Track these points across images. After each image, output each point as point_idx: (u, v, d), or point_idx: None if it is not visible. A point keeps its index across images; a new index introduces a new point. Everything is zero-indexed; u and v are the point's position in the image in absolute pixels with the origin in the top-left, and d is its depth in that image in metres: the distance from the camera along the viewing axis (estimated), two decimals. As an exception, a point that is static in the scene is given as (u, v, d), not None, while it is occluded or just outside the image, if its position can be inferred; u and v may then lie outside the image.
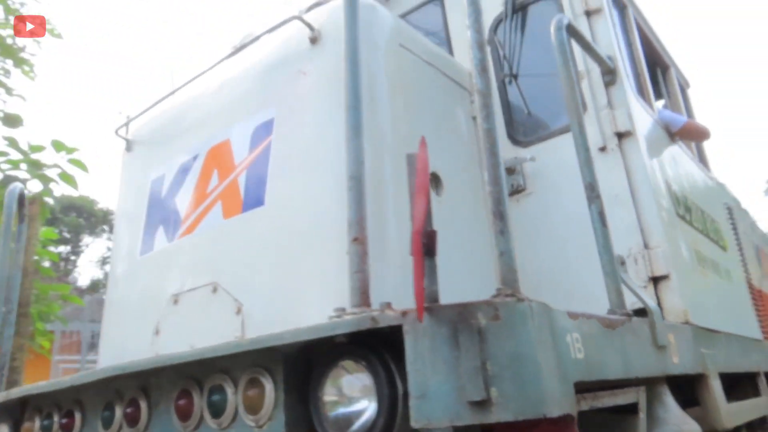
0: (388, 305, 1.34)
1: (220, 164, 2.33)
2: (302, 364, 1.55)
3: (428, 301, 1.29)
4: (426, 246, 1.30)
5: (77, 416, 2.13)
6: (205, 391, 1.70)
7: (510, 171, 2.59)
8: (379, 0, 3.35)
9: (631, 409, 1.75)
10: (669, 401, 1.93)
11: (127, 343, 2.46)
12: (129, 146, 2.88)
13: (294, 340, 1.39)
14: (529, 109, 2.64)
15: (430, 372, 1.22)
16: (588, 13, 2.58)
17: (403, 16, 3.23)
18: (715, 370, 2.23)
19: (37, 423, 2.31)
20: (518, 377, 1.19)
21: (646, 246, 2.23)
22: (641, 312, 1.90)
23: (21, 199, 2.50)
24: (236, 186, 2.23)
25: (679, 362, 1.97)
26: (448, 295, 1.41)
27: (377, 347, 1.37)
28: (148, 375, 1.88)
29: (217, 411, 1.65)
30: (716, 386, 2.19)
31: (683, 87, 3.80)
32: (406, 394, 1.32)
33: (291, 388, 1.52)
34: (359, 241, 1.43)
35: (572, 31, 2.10)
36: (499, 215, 1.38)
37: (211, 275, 2.20)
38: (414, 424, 1.23)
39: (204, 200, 2.33)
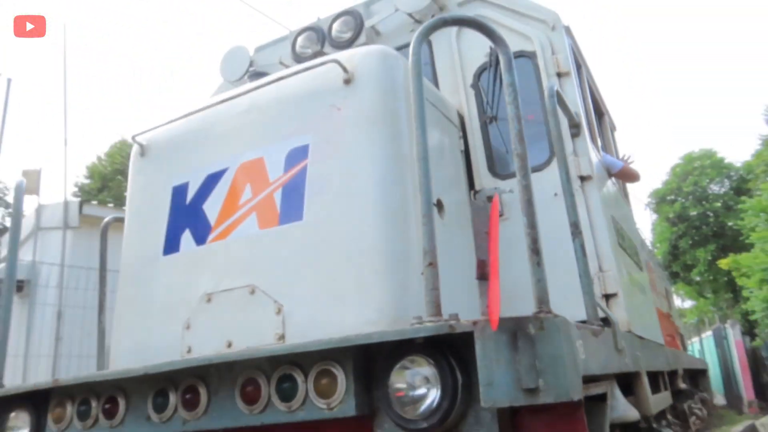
0: (457, 316, 1.77)
1: (254, 179, 2.65)
2: (365, 359, 1.96)
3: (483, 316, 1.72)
4: (486, 273, 1.73)
5: (121, 402, 2.36)
6: (273, 379, 2.03)
7: (490, 199, 3.06)
8: (373, 32, 3.75)
9: (599, 398, 2.29)
10: (618, 392, 2.50)
11: (151, 336, 2.72)
12: (143, 152, 3.10)
13: (381, 339, 1.78)
14: (507, 148, 3.15)
15: (495, 367, 1.67)
16: (559, 75, 3.18)
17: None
18: (645, 368, 2.87)
19: (69, 409, 2.50)
20: (556, 372, 1.66)
21: (600, 269, 2.82)
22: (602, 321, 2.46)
23: None
24: (272, 200, 2.57)
25: (627, 362, 2.56)
26: (448, 301, 1.87)
27: (441, 348, 1.80)
28: (207, 366, 2.17)
29: (286, 396, 2.00)
30: (646, 381, 2.82)
31: (612, 131, 4.50)
32: (462, 384, 1.77)
33: (359, 377, 1.92)
34: (433, 265, 1.84)
35: (559, 96, 2.62)
36: (536, 251, 1.86)
37: (248, 278, 2.51)
38: (483, 404, 1.67)
39: (237, 210, 2.64)
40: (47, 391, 2.58)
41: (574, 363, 1.74)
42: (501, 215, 3.05)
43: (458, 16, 2.52)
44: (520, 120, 1.95)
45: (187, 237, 2.75)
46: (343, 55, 2.67)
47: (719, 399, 20.68)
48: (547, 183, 2.99)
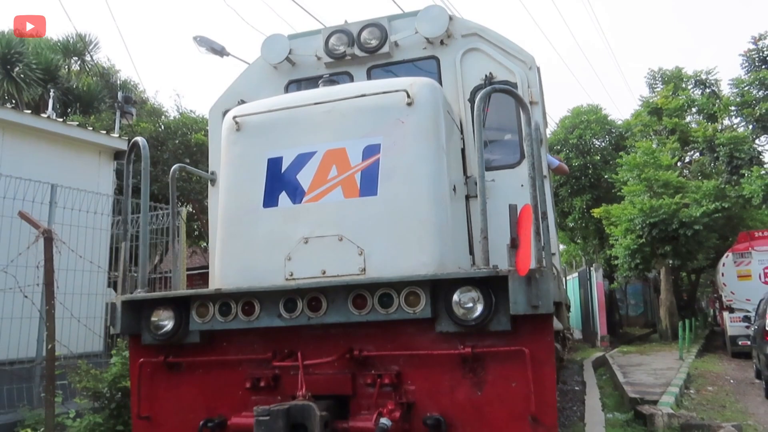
0: (497, 267, 3.59)
1: (338, 162, 4.23)
2: (433, 287, 3.74)
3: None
4: (517, 244, 3.53)
5: (256, 305, 3.99)
6: (376, 296, 3.75)
7: (463, 181, 4.88)
8: (394, 44, 5.31)
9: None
10: (563, 311, 4.53)
11: (256, 263, 4.26)
12: (239, 128, 4.59)
13: (462, 277, 3.61)
14: (490, 149, 4.97)
15: (518, 294, 3.50)
16: (531, 103, 4.98)
17: (404, 62, 5.40)
18: (563, 300, 4.96)
19: (211, 308, 4.07)
20: (546, 296, 3.51)
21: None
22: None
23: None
24: (353, 179, 4.17)
25: (561, 295, 4.58)
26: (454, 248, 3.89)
27: (480, 282, 3.63)
28: (327, 285, 3.85)
29: (384, 305, 3.75)
30: (564, 308, 4.91)
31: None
32: (496, 302, 3.60)
33: (432, 296, 3.71)
34: (486, 238, 3.64)
35: (537, 127, 4.40)
36: (545, 228, 3.67)
37: (337, 230, 4.11)
38: (512, 312, 3.51)
39: (326, 183, 4.22)
40: (186, 297, 4.14)
41: (550, 293, 3.59)
42: (473, 196, 4.88)
43: (504, 87, 4.15)
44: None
45: (283, 197, 4.31)
46: (405, 83, 4.32)
47: (576, 334, 24.98)
48: (516, 178, 4.92)
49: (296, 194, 4.30)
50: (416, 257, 3.99)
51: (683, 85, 24.21)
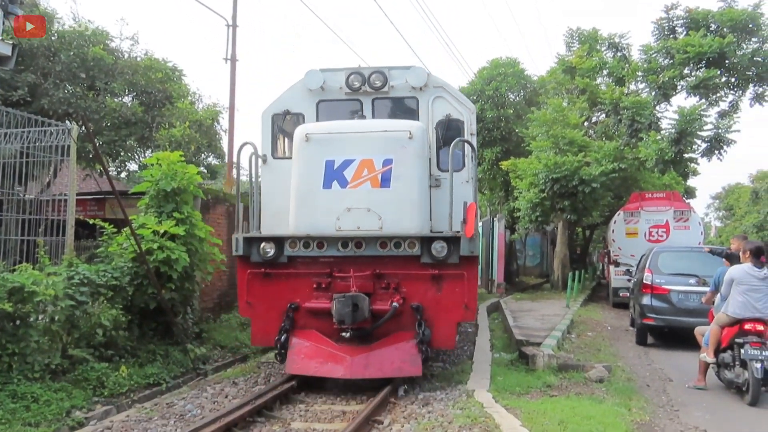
0: (457, 232, 9.41)
1: (368, 167, 10.27)
2: (422, 239, 9.62)
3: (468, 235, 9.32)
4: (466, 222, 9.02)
5: (325, 243, 10.01)
6: (391, 242, 10.06)
7: (436, 180, 10.74)
8: (390, 86, 11.42)
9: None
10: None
11: (317, 221, 10.27)
12: (307, 139, 10.43)
13: (436, 236, 10.26)
14: (445, 159, 10.53)
15: (465, 244, 10.05)
16: (471, 134, 11.51)
17: (397, 98, 11.81)
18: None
19: (298, 243, 9.85)
20: (476, 248, 10.34)
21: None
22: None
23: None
24: (377, 177, 10.25)
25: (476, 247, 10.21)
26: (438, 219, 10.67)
27: (447, 239, 9.41)
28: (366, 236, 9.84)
29: (396, 246, 10.27)
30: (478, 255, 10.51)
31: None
32: (453, 248, 9.91)
33: (421, 244, 9.82)
34: (450, 216, 9.85)
35: (473, 150, 11.19)
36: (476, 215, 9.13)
37: (366, 205, 10.20)
38: (462, 253, 10.09)
39: (360, 178, 10.27)
40: (281, 237, 9.77)
41: (477, 247, 9.60)
42: (438, 186, 10.96)
43: (464, 139, 11.20)
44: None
45: (335, 184, 10.25)
46: (407, 125, 10.52)
47: (475, 281, 31.10)
48: (461, 177, 11.24)
49: (342, 182, 10.22)
50: (408, 222, 10.14)
51: (597, 47, 29.39)
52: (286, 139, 12.24)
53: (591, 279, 37.59)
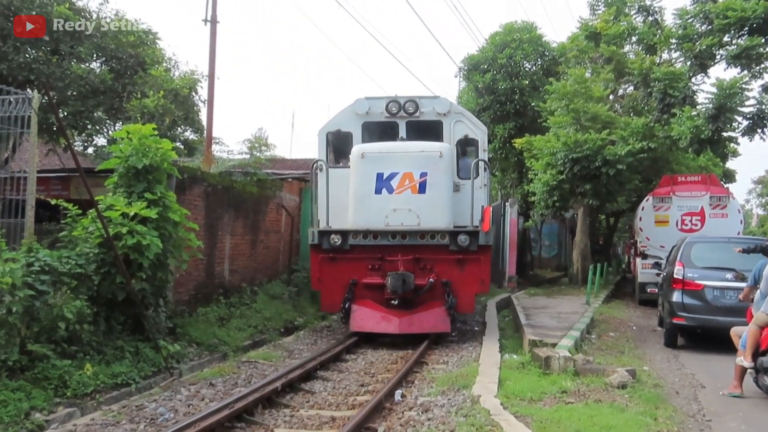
0: (477, 227, 15.94)
1: (409, 178, 15.63)
2: (449, 233, 15.83)
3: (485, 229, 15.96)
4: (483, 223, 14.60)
5: (379, 235, 15.90)
6: (428, 235, 15.89)
7: (456, 185, 16.42)
8: (420, 112, 17.17)
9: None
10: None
11: (370, 218, 15.72)
12: (363, 156, 15.74)
13: (461, 230, 15.93)
14: (464, 170, 16.91)
15: (482, 237, 15.98)
16: (483, 150, 17.32)
17: (425, 121, 17.10)
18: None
19: (359, 235, 15.89)
20: (490, 239, 16.67)
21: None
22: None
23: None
24: (416, 186, 15.63)
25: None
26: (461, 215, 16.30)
27: (470, 232, 15.84)
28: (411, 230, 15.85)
29: (432, 236, 15.87)
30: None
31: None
32: (473, 239, 15.88)
33: (449, 236, 15.88)
34: (472, 215, 15.93)
35: (486, 163, 17.41)
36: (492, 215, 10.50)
37: (407, 206, 15.65)
38: (480, 243, 15.88)
39: (403, 186, 15.64)
40: (346, 231, 16.03)
41: (491, 238, 16.71)
42: (458, 191, 16.33)
43: (483, 159, 17.24)
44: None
45: (384, 190, 15.61)
46: (438, 147, 15.87)
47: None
48: (477, 183, 16.54)
49: (390, 190, 15.56)
50: (440, 219, 15.67)
51: (626, 10, 29.17)
52: (336, 152, 17.36)
53: (615, 273, 37.73)
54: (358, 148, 15.92)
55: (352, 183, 15.72)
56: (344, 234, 15.81)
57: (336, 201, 15.96)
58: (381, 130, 17.00)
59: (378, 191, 15.43)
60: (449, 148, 15.93)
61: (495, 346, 14.39)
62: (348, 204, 15.91)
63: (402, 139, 16.59)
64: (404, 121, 16.84)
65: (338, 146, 17.21)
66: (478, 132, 17.10)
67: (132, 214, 11.53)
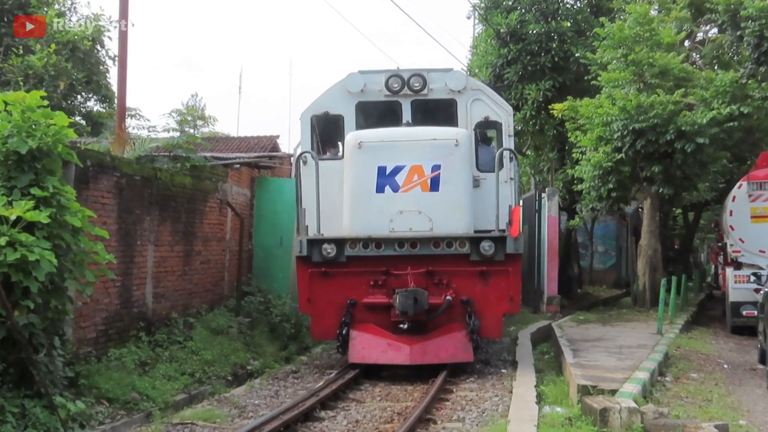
0: (503, 231, 17.27)
1: (418, 173, 17.18)
2: (471, 239, 17.36)
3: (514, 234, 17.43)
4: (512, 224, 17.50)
5: (383, 244, 17.21)
6: (444, 241, 17.22)
7: (476, 180, 18.08)
8: (429, 89, 19.02)
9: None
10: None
11: (370, 222, 17.14)
12: (360, 147, 17.16)
13: (484, 236, 17.33)
14: (486, 162, 18.74)
15: (510, 243, 17.19)
16: (509, 135, 19.10)
17: (435, 100, 19.01)
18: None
19: (358, 244, 17.15)
20: (520, 246, 17.82)
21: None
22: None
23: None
24: (426, 182, 17.20)
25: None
26: (482, 216, 18.15)
27: (494, 238, 17.33)
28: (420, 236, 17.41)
29: (449, 245, 17.19)
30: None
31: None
32: (499, 246, 17.15)
33: (470, 244, 17.27)
34: (497, 217, 17.35)
35: (513, 152, 19.04)
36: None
37: (417, 207, 17.14)
38: (507, 251, 17.13)
39: (411, 183, 17.17)
40: (342, 239, 17.38)
41: (522, 245, 18.22)
42: (478, 186, 18.06)
43: (509, 148, 18.74)
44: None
45: (387, 188, 17.09)
46: (454, 133, 17.47)
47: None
48: (502, 176, 17.90)
49: (394, 187, 16.99)
50: (457, 223, 17.09)
51: None
52: (325, 139, 18.93)
53: (697, 289, 37.66)
54: (353, 136, 17.26)
55: (347, 179, 17.10)
56: (339, 243, 16.89)
57: (326, 201, 17.04)
58: (380, 113, 18.31)
59: (380, 189, 16.69)
60: (467, 135, 17.24)
61: (530, 395, 14.27)
62: (342, 206, 17.08)
63: (407, 124, 18.07)
64: (409, 101, 18.33)
65: (326, 133, 18.66)
66: (502, 113, 18.56)
67: (13, 218, 11.32)
